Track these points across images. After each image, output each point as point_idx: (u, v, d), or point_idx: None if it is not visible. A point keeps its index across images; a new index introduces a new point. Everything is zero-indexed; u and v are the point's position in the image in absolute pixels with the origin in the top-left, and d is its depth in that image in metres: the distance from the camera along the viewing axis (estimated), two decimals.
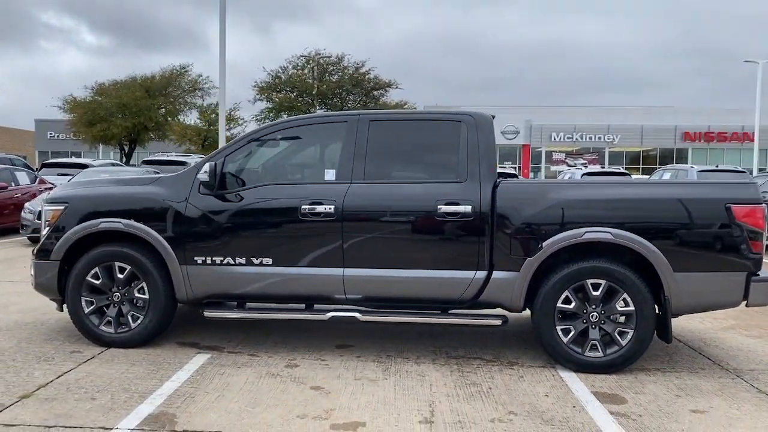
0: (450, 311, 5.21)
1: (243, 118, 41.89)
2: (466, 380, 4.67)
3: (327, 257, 5.07)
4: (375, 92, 37.35)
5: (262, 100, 35.88)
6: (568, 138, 59.09)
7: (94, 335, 5.33)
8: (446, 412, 4.05)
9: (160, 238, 5.18)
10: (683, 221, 4.79)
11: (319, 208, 5.03)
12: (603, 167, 47.35)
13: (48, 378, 4.55)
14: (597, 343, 4.86)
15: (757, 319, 6.70)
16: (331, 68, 36.73)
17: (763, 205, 4.78)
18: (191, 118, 43.07)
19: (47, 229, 5.41)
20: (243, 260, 5.14)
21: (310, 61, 36.49)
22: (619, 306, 4.82)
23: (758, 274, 4.78)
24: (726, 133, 61.73)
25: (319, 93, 35.73)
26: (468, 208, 4.91)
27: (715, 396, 4.45)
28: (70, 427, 3.74)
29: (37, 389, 4.32)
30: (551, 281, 4.86)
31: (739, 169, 18.36)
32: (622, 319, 4.89)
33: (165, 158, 19.23)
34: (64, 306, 5.51)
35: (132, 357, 5.07)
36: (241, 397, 4.27)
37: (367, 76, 36.65)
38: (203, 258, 5.17)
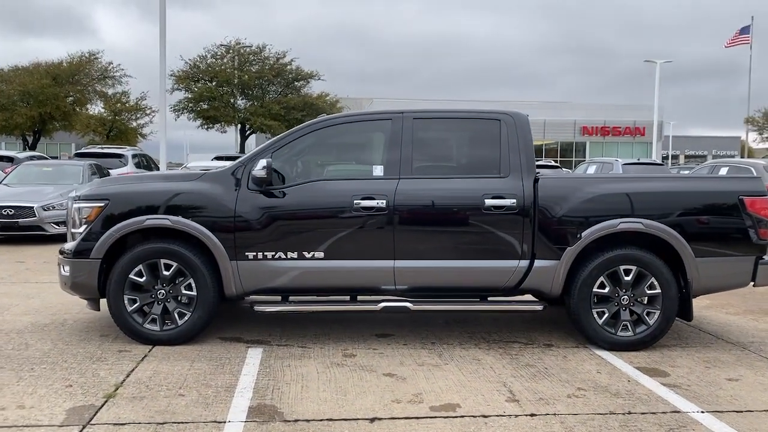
0: (489, 299, 5.55)
1: (152, 107, 40.39)
2: (519, 362, 5.02)
3: (378, 250, 5.26)
4: (297, 83, 37.08)
5: (180, 89, 34.75)
6: None
7: (138, 333, 5.26)
8: (523, 391, 4.38)
9: (210, 234, 5.18)
10: (703, 212, 5.35)
11: (371, 203, 5.21)
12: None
13: (118, 378, 4.49)
14: (628, 324, 5.35)
15: (727, 299, 7.47)
16: (252, 58, 36.10)
17: None
18: (97, 107, 41.10)
19: (84, 226, 5.27)
20: (295, 254, 5.24)
21: (230, 51, 35.72)
22: (647, 289, 5.33)
23: (764, 258, 5.43)
24: (620, 127, 65.76)
25: (240, 83, 35.05)
26: (513, 202, 5.25)
27: (739, 366, 5.04)
28: (181, 422, 3.76)
29: (117, 389, 4.27)
30: (588, 268, 5.29)
31: (658, 162, 19.85)
32: (649, 300, 5.39)
33: (99, 150, 18.38)
34: (95, 305, 5.43)
35: (186, 354, 5.06)
36: (325, 386, 4.41)
37: (288, 67, 36.32)
38: (254, 253, 5.22)
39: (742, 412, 4.10)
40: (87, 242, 5.23)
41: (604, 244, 5.32)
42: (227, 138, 44.65)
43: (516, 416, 3.95)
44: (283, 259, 5.24)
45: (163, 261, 5.22)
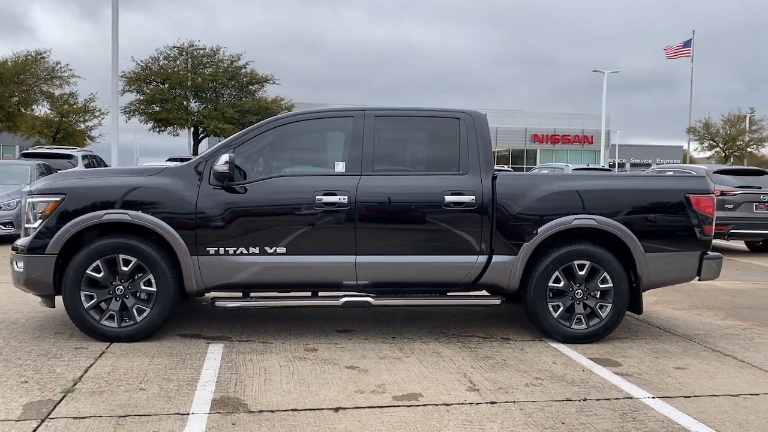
0: (449, 294, 5.66)
1: (101, 110, 39.42)
2: (478, 354, 5.14)
3: (340, 245, 5.31)
4: (251, 87, 36.79)
5: (131, 91, 34.05)
6: None
7: (95, 331, 5.18)
8: (483, 381, 4.49)
9: (171, 229, 5.15)
10: (652, 209, 5.58)
11: (333, 199, 5.26)
12: None
13: (75, 373, 4.41)
14: (582, 317, 5.53)
15: (673, 295, 7.77)
16: (206, 61, 35.66)
17: (712, 195, 5.70)
18: (43, 108, 39.86)
19: (39, 221, 5.16)
20: (257, 250, 5.24)
21: (183, 53, 35.21)
22: (600, 283, 5.52)
23: (709, 254, 5.69)
24: (569, 135, 67.44)
25: (194, 85, 34.57)
26: (471, 198, 5.37)
27: (685, 356, 5.26)
28: (143, 415, 3.73)
29: (75, 384, 4.20)
30: (544, 263, 5.45)
31: (607, 167, 20.45)
32: (602, 294, 5.57)
33: (48, 151, 17.83)
34: (50, 302, 5.32)
35: (145, 350, 5.00)
36: (288, 378, 4.43)
37: (242, 70, 36.01)
38: (216, 248, 5.21)
39: (689, 397, 4.30)
40: (42, 238, 5.12)
41: (559, 240, 5.49)
42: (179, 141, 43.97)
43: (477, 404, 4.05)
44: (245, 254, 5.24)
45: (121, 256, 5.16)
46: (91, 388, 4.13)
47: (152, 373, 4.46)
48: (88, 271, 5.14)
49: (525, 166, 62.89)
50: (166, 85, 34.53)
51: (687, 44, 51.72)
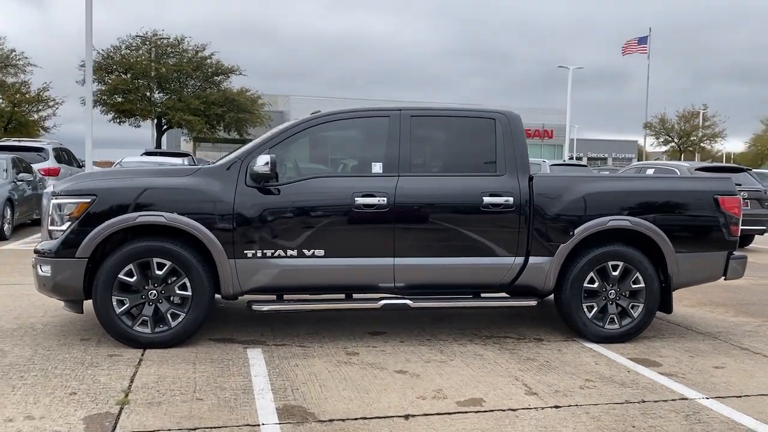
0: (484, 295, 5.66)
1: (55, 99, 38.10)
2: (519, 356, 5.14)
3: (378, 247, 5.23)
4: (216, 77, 36.08)
5: (93, 80, 32.85)
6: None
7: (127, 337, 4.99)
8: (537, 385, 4.48)
9: (208, 231, 4.99)
10: (683, 210, 5.67)
11: (372, 200, 5.18)
12: None
13: (122, 383, 4.24)
14: (614, 317, 5.59)
15: (678, 292, 7.91)
16: (170, 50, 34.79)
17: (739, 196, 5.82)
18: None
19: (68, 224, 4.93)
20: (295, 252, 5.13)
21: (147, 42, 34.27)
22: (632, 284, 5.58)
23: (734, 254, 5.81)
24: (530, 129, 68.11)
25: (158, 76, 33.71)
26: (509, 200, 5.36)
27: (718, 354, 5.37)
28: (213, 427, 3.61)
29: (126, 395, 4.03)
30: (579, 264, 5.48)
31: (583, 163, 20.79)
32: (634, 294, 5.63)
33: (16, 143, 17.11)
34: (77, 308, 5.12)
35: (183, 357, 4.84)
36: (342, 384, 4.35)
37: (207, 61, 35.29)
38: (253, 251, 5.07)
39: (741, 397, 4.38)
40: (71, 241, 4.90)
41: (593, 241, 5.53)
42: (140, 133, 42.90)
43: (542, 408, 4.04)
44: (283, 257, 5.12)
45: (155, 260, 4.98)
46: (146, 399, 3.97)
47: (201, 382, 4.32)
48: (121, 276, 4.95)
49: None
50: (129, 75, 33.57)
51: (642, 41, 52.84)
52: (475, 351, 5.24)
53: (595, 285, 5.54)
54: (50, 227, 5.06)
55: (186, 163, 13.69)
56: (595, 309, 5.56)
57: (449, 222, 5.35)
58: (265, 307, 5.22)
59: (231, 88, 36.73)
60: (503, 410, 4.00)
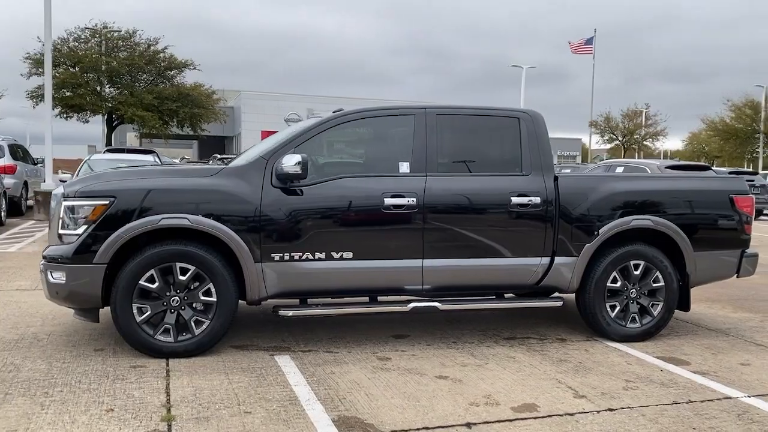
0: (509, 296, 5.60)
1: None
2: (551, 358, 5.10)
3: (407, 249, 5.11)
4: (169, 72, 35.01)
5: (38, 74, 31.48)
6: None
7: (149, 347, 4.72)
8: (581, 387, 4.44)
9: (234, 234, 4.76)
10: (701, 209, 5.73)
11: (401, 201, 5.05)
12: None
13: (158, 397, 3.99)
14: (635, 316, 5.62)
15: None
16: (121, 44, 33.56)
17: (751, 195, 5.93)
18: None
19: (84, 227, 4.63)
20: (323, 255, 4.95)
21: (96, 35, 32.97)
22: (653, 282, 5.62)
23: (746, 252, 5.92)
24: None
25: (109, 70, 32.46)
26: (537, 200, 5.31)
27: (737, 351, 5.45)
28: None
29: (168, 410, 3.79)
30: (603, 264, 5.49)
31: None
32: (654, 293, 5.67)
33: None
34: (93, 316, 4.84)
35: (211, 366, 4.61)
36: (388, 392, 4.21)
37: (160, 55, 34.19)
38: (281, 254, 4.88)
39: None
40: (88, 245, 4.61)
41: (616, 241, 5.53)
42: (87, 129, 41.30)
43: (597, 412, 4.00)
44: (311, 260, 4.94)
45: (179, 265, 4.72)
46: (192, 414, 3.74)
47: (242, 393, 4.11)
48: (141, 282, 4.67)
49: None
50: (78, 69, 32.22)
51: (589, 42, 54.04)
52: (505, 353, 5.17)
53: (618, 284, 5.56)
54: (61, 231, 4.74)
55: (155, 160, 13.18)
56: (618, 308, 5.58)
57: (478, 223, 5.27)
58: (291, 312, 5.02)
59: (184, 83, 35.71)
60: (560, 415, 3.93)
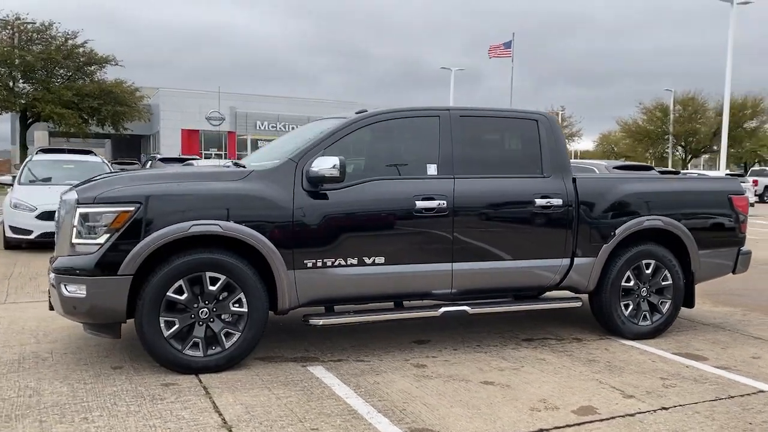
0: (534, 298, 5.63)
1: None
2: (579, 358, 5.14)
3: (437, 252, 5.03)
4: (89, 67, 33.28)
5: None
6: (272, 127, 60.24)
7: (177, 362, 4.42)
8: (624, 386, 4.49)
9: (267, 241, 4.53)
10: (704, 209, 5.95)
11: (432, 204, 4.96)
12: None
13: (213, 418, 3.72)
14: (646, 314, 5.76)
15: None
16: (36, 36, 31.60)
17: (746, 195, 6.21)
18: None
19: (106, 236, 4.27)
20: (355, 260, 4.79)
21: (9, 27, 30.89)
22: (662, 281, 5.79)
23: (742, 250, 6.19)
24: None
25: (23, 64, 30.49)
26: (559, 201, 5.35)
27: (743, 345, 5.68)
28: None
29: (230, 431, 3.55)
30: (618, 263, 5.59)
31: None
32: (663, 291, 5.83)
33: None
34: (113, 332, 4.50)
35: (248, 381, 4.37)
36: (445, 401, 4.11)
37: (79, 49, 32.45)
38: (313, 261, 4.68)
39: None
40: (111, 255, 4.26)
41: (630, 241, 5.66)
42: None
43: (654, 411, 4.05)
44: (343, 266, 4.77)
45: (209, 274, 4.45)
46: None
47: (298, 409, 3.90)
48: (169, 293, 4.37)
49: None
50: None
51: (507, 45, 55.51)
52: (533, 356, 5.18)
53: (631, 283, 5.68)
54: (76, 240, 4.35)
55: (100, 161, 12.42)
56: (631, 307, 5.71)
57: (504, 225, 5.25)
58: (322, 321, 4.83)
59: (105, 80, 34.10)
60: (622, 416, 3.96)
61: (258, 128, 59.35)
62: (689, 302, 5.98)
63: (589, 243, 5.49)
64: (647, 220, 5.64)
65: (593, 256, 5.50)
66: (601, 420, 3.89)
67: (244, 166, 5.19)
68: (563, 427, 3.78)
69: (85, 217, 4.32)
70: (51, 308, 4.82)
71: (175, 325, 4.41)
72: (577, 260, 5.47)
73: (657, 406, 4.14)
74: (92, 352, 4.91)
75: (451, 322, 6.07)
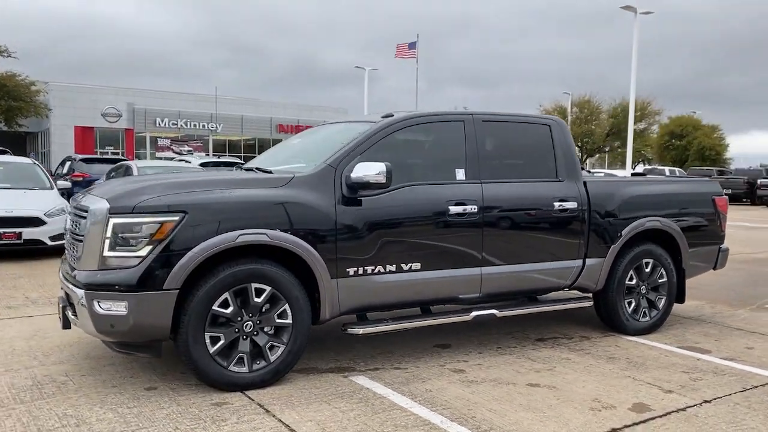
0: (546, 299, 5.76)
1: None
2: (599, 356, 5.31)
3: (468, 257, 5.05)
4: None
5: None
6: (173, 124, 58.18)
7: (224, 380, 4.18)
8: (659, 382, 4.68)
9: (313, 250, 4.37)
10: (693, 209, 6.31)
11: (464, 209, 4.98)
12: (208, 155, 48.41)
13: None
14: (645, 310, 6.06)
15: None
16: None
17: (725, 196, 6.65)
18: None
19: (149, 247, 3.97)
20: (393, 267, 4.73)
21: None
22: (658, 279, 6.10)
23: (722, 247, 6.63)
24: (312, 126, 69.10)
25: None
26: (574, 204, 5.52)
27: (731, 337, 6.07)
28: None
29: None
30: (623, 263, 5.84)
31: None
32: (658, 288, 6.14)
33: None
34: (154, 352, 4.20)
35: (300, 396, 4.21)
36: (505, 407, 4.13)
37: None
38: (355, 269, 4.57)
39: None
40: (155, 268, 3.96)
41: (633, 241, 5.92)
42: None
43: (700, 405, 4.27)
44: (382, 273, 4.69)
45: (254, 285, 4.24)
46: None
47: (372, 422, 3.80)
48: (215, 307, 4.13)
49: None
50: None
51: (412, 46, 56.46)
52: (557, 355, 5.30)
53: (633, 282, 5.95)
54: (109, 253, 4.02)
55: (30, 162, 11.47)
56: (633, 304, 5.97)
57: (527, 228, 5.35)
58: (362, 330, 4.71)
59: None
60: (676, 411, 4.14)
61: (158, 125, 57.07)
62: (680, 298, 6.33)
63: (600, 244, 5.69)
64: (648, 220, 5.92)
65: (602, 256, 5.71)
66: (660, 416, 4.05)
67: (252, 170, 5.01)
68: (631, 425, 3.90)
69: (121, 228, 4.00)
70: (66, 327, 4.44)
71: (220, 340, 4.17)
72: (588, 261, 5.65)
73: (699, 400, 4.35)
74: (112, 372, 4.55)
75: (461, 325, 6.09)
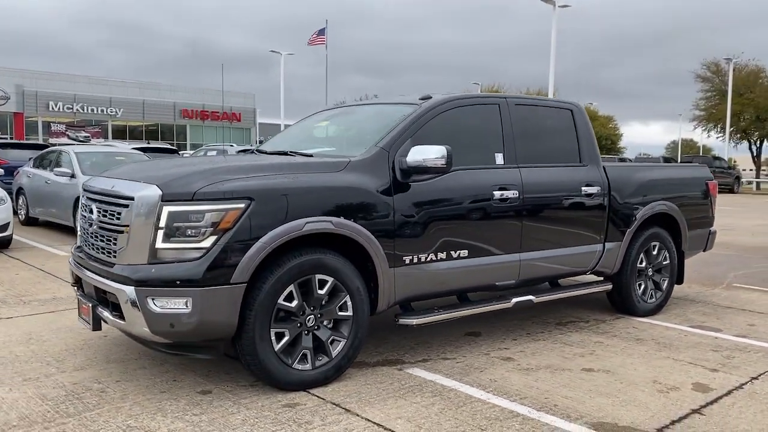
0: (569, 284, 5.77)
1: None
2: (629, 339, 5.38)
3: (508, 243, 4.97)
4: None
5: None
6: (68, 108, 54.80)
7: (288, 379, 3.88)
8: (700, 361, 4.78)
9: (374, 238, 4.13)
10: (691, 193, 6.54)
11: (507, 194, 4.89)
12: (108, 141, 46.00)
13: None
14: (652, 292, 6.22)
15: None
16: None
17: (715, 181, 6.94)
18: None
19: (213, 238, 3.59)
20: (444, 255, 4.57)
21: None
22: (663, 261, 6.28)
23: (711, 230, 6.92)
24: (218, 112, 67.08)
25: None
26: (598, 189, 5.55)
27: (729, 315, 6.34)
28: None
29: None
30: (636, 246, 5.95)
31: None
32: (662, 270, 6.32)
33: None
34: (213, 351, 3.83)
35: (369, 392, 3.98)
36: (575, 393, 4.08)
37: None
38: (411, 257, 4.37)
39: None
40: (222, 261, 3.60)
41: (644, 225, 6.05)
42: None
43: (752, 381, 4.40)
44: (434, 261, 4.52)
45: (318, 277, 3.95)
46: None
47: (464, 417, 3.63)
48: (280, 301, 3.81)
49: (175, 142, 60.33)
50: None
51: (321, 32, 55.90)
52: (589, 339, 5.33)
53: (643, 265, 6.09)
54: (162, 245, 3.61)
55: None
56: (643, 286, 6.12)
57: (561, 213, 5.33)
58: (416, 321, 4.52)
59: None
60: (736, 389, 4.24)
61: (51, 109, 53.56)
62: (680, 279, 6.55)
63: (618, 228, 5.77)
64: (657, 204, 6.07)
65: (620, 240, 5.79)
66: (725, 395, 4.13)
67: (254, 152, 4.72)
68: (707, 405, 3.95)
69: (178, 217, 3.60)
70: (96, 329, 3.98)
71: (285, 336, 3.86)
72: (607, 245, 5.72)
73: (747, 377, 4.49)
74: (149, 376, 4.12)
75: (484, 313, 6.01)
